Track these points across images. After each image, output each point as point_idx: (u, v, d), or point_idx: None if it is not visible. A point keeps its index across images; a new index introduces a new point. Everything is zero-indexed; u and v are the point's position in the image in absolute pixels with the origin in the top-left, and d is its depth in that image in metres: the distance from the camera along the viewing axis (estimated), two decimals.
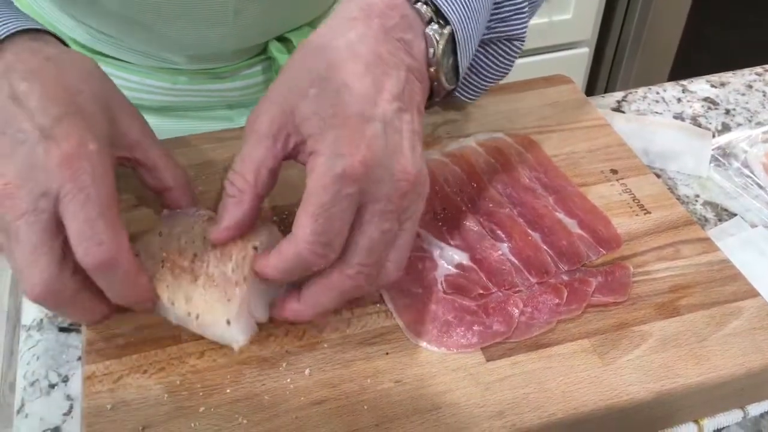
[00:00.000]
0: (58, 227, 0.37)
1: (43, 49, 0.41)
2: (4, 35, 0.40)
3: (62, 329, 0.49)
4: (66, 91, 0.39)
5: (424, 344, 0.43)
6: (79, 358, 0.46)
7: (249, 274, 0.40)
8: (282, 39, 0.64)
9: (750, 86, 0.71)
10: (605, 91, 1.67)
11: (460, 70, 0.45)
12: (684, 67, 1.64)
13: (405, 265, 0.41)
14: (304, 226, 0.38)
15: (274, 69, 0.65)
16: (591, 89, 1.74)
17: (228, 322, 0.40)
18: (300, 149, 0.40)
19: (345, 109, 0.38)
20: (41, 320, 0.49)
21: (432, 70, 0.43)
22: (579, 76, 1.69)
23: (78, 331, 0.48)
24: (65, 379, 0.46)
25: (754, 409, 0.45)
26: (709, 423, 0.44)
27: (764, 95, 0.70)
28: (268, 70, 0.67)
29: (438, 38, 0.43)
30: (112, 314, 0.41)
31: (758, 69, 0.73)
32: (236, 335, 0.40)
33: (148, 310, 0.41)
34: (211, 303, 0.40)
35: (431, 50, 0.43)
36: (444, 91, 0.45)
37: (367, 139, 0.38)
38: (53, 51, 0.41)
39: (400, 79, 0.40)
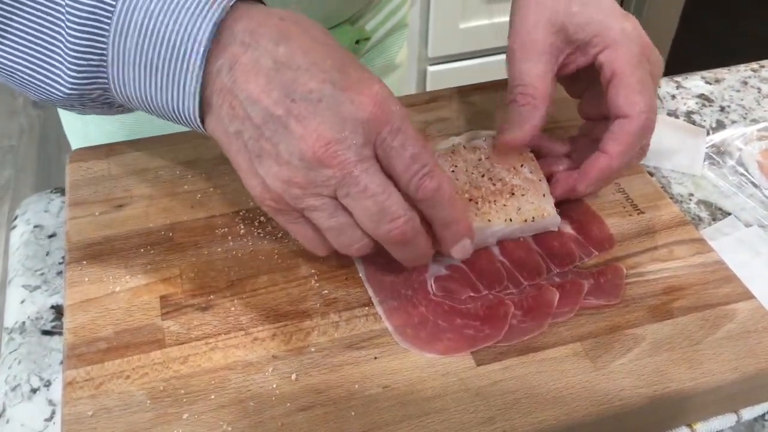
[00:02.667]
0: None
1: (269, 11, 0.39)
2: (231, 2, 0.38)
3: (45, 332, 0.48)
4: (323, 45, 0.38)
5: (412, 348, 0.42)
6: (62, 362, 0.45)
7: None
8: None
9: (745, 83, 0.70)
10: None
11: None
12: (680, 60, 1.63)
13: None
14: (636, 101, 0.45)
15: None
16: None
17: (549, 213, 0.47)
18: (571, 60, 0.48)
19: (609, 12, 0.47)
20: (23, 323, 0.48)
21: None
22: None
23: (61, 334, 0.47)
24: (47, 384, 0.45)
25: (748, 413, 0.44)
26: (703, 427, 0.43)
27: (759, 92, 0.69)
28: None
29: None
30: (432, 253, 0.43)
31: (753, 65, 0.72)
32: (556, 218, 0.48)
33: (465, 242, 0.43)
34: (536, 203, 0.47)
35: None
36: None
37: (635, 25, 0.47)
38: (276, 11, 0.39)
39: None
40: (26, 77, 0.39)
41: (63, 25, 0.37)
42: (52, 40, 0.38)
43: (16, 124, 2.12)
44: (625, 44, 0.46)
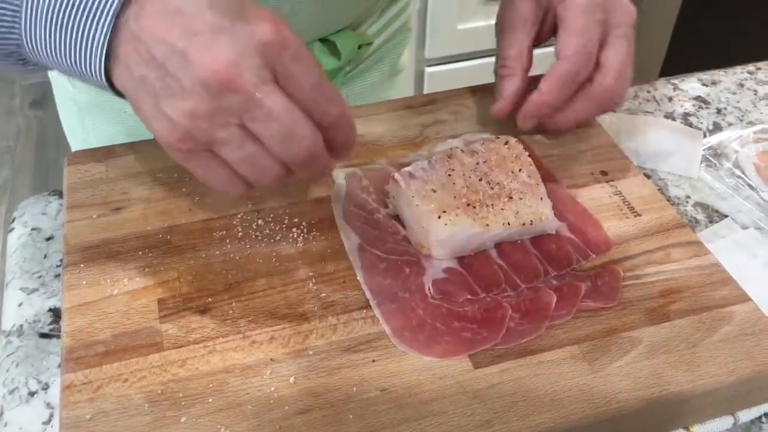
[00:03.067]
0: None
1: None
2: None
3: (43, 335, 0.48)
4: None
5: (410, 351, 0.42)
6: (60, 365, 0.45)
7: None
8: (323, 40, 0.65)
9: (741, 85, 0.70)
10: None
11: None
12: (676, 62, 1.63)
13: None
14: (571, 43, 0.50)
15: None
16: None
17: (546, 217, 0.48)
18: (546, 21, 0.54)
19: None
20: (21, 326, 0.48)
21: None
22: None
23: (58, 337, 0.47)
24: (45, 387, 0.45)
25: (745, 416, 0.44)
26: (700, 429, 0.43)
27: (755, 94, 0.69)
28: None
29: None
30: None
31: (750, 67, 0.73)
32: (554, 221, 0.49)
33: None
34: (534, 207, 0.48)
35: None
36: None
37: None
38: None
39: None
40: None
41: None
42: None
43: (13, 124, 2.12)
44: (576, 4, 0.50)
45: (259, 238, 0.49)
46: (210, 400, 0.39)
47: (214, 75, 0.36)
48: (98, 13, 0.38)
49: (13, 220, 0.56)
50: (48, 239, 0.54)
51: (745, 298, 0.46)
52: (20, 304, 0.50)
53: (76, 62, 0.39)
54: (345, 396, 0.40)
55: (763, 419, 0.44)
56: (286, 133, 0.39)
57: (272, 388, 0.40)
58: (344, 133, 0.42)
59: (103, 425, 0.38)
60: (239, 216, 0.50)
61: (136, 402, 0.39)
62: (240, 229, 0.49)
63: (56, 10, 0.38)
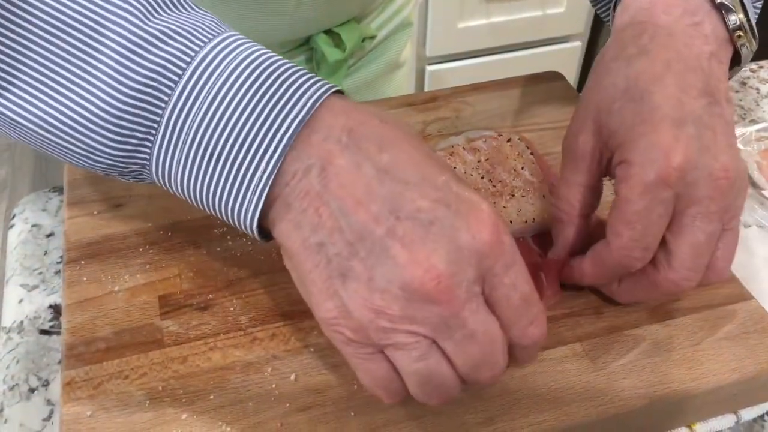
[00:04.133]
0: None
1: (367, 109, 0.34)
2: (328, 92, 0.33)
3: (43, 332, 0.47)
4: (428, 157, 0.33)
5: None
6: (60, 362, 0.45)
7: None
8: (328, 32, 0.65)
9: (744, 83, 0.70)
10: None
11: (752, 21, 0.42)
12: None
13: (732, 262, 0.41)
14: (620, 234, 0.39)
15: (315, 60, 0.66)
16: (583, 84, 1.73)
17: (549, 215, 0.46)
18: (611, 163, 0.41)
19: (652, 115, 0.38)
20: (21, 322, 0.48)
21: (738, 34, 0.41)
22: (572, 71, 1.68)
23: (59, 333, 0.47)
24: (45, 384, 0.45)
25: (747, 414, 0.44)
26: (702, 428, 0.43)
27: (758, 92, 0.69)
28: (310, 60, 0.67)
29: (730, 1, 0.41)
30: None
31: (752, 65, 0.72)
32: None
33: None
34: (537, 204, 0.47)
35: (732, 17, 0.41)
36: (751, 53, 0.43)
37: (678, 141, 0.37)
38: (374, 110, 0.35)
39: (704, 71, 0.39)
40: (41, 136, 0.33)
41: (101, 85, 0.32)
42: (81, 91, 0.32)
43: None
44: (641, 165, 0.38)
45: None
46: (211, 397, 0.39)
47: (422, 282, 0.30)
48: (264, 150, 0.31)
49: (14, 217, 0.56)
50: (48, 236, 0.54)
51: (747, 296, 0.45)
52: (20, 301, 0.49)
53: (222, 199, 0.33)
54: (347, 393, 0.40)
55: (766, 417, 0.44)
56: (482, 360, 0.33)
57: (273, 385, 0.40)
58: (530, 355, 0.36)
59: (103, 422, 0.38)
60: None
61: (136, 399, 0.39)
62: None
63: (209, 135, 0.32)
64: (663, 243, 0.39)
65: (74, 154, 0.34)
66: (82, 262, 0.46)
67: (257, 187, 0.32)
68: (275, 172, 0.32)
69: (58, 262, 0.52)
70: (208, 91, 0.32)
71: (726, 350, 0.42)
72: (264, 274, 0.46)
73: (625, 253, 0.39)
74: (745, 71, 0.72)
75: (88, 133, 0.33)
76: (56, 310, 0.49)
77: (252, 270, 0.46)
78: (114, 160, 0.34)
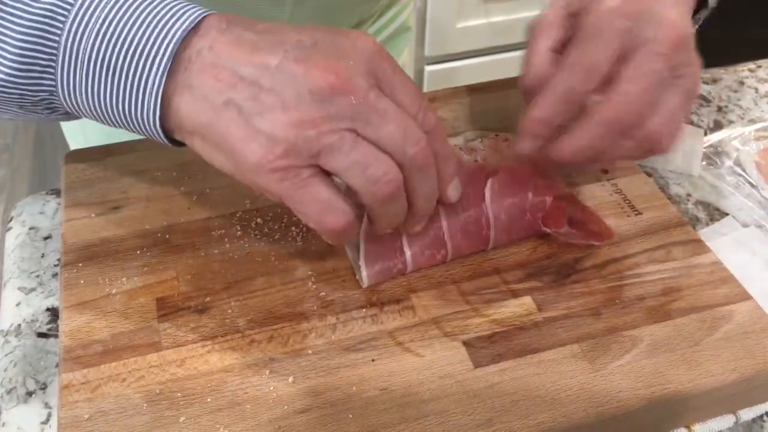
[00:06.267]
0: None
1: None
2: (209, 12, 0.38)
3: (40, 335, 0.47)
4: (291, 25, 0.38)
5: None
6: (58, 365, 0.45)
7: None
8: None
9: (742, 83, 0.70)
10: None
11: None
12: None
13: (677, 135, 0.43)
14: (570, 54, 0.42)
15: None
16: None
17: None
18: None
19: None
20: (19, 325, 0.48)
21: None
22: None
23: (56, 336, 0.47)
24: (43, 387, 0.45)
25: (746, 414, 0.44)
26: (701, 428, 0.43)
27: (757, 92, 0.69)
28: None
29: None
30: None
31: (750, 65, 0.72)
32: None
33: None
34: None
35: None
36: None
37: None
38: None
39: None
40: None
41: (3, 23, 0.36)
42: None
43: (11, 123, 2.11)
44: (603, 1, 0.42)
45: (258, 236, 0.48)
46: (209, 400, 0.39)
47: (325, 80, 0.35)
48: (153, 55, 0.36)
49: (11, 220, 0.56)
50: (46, 238, 0.54)
51: (746, 296, 0.45)
52: (18, 304, 0.49)
53: (124, 108, 0.37)
54: (344, 395, 0.40)
55: (765, 418, 0.44)
56: (403, 133, 0.36)
57: (271, 388, 0.40)
58: (443, 143, 0.40)
59: (101, 425, 0.38)
60: (238, 215, 0.50)
61: (134, 402, 0.39)
62: (239, 228, 0.49)
63: (102, 51, 0.36)
64: (610, 80, 0.41)
65: None
66: (80, 264, 0.46)
67: (153, 84, 0.36)
68: (167, 68, 0.36)
69: (55, 265, 0.52)
70: (100, 11, 0.36)
71: (724, 351, 0.42)
72: (262, 277, 0.46)
73: (572, 70, 0.41)
74: (743, 71, 0.72)
75: None
76: (54, 313, 0.49)
77: (249, 272, 0.46)
78: (22, 89, 0.37)
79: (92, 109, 0.38)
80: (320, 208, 0.37)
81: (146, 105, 0.36)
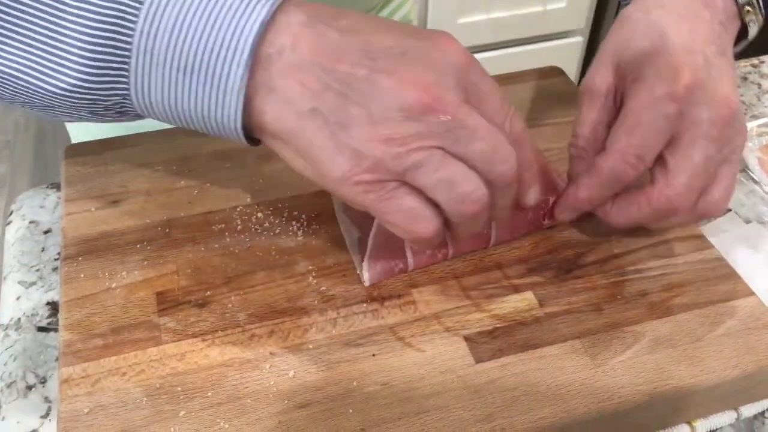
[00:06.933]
0: None
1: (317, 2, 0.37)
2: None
3: (40, 329, 0.47)
4: (377, 18, 0.37)
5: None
6: (58, 359, 0.45)
7: None
8: None
9: (745, 78, 0.70)
10: None
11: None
12: None
13: (730, 199, 0.43)
14: (619, 139, 0.41)
15: None
16: None
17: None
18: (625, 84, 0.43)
19: (666, 46, 0.41)
20: (19, 319, 0.48)
21: (746, 9, 0.45)
22: (572, 66, 1.67)
23: (56, 330, 0.47)
24: (43, 381, 0.44)
25: (748, 410, 0.44)
26: (702, 424, 0.43)
27: (759, 88, 0.69)
28: None
29: None
30: None
31: (754, 60, 0.72)
32: None
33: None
34: None
35: None
36: (758, 27, 0.47)
37: (689, 65, 0.40)
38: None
39: (714, 30, 0.43)
40: (20, 84, 0.35)
41: (69, 26, 0.33)
42: (50, 40, 0.34)
43: (11, 119, 2.11)
44: (651, 79, 0.41)
45: (259, 231, 0.48)
46: (209, 394, 0.39)
47: (415, 97, 0.33)
48: (233, 53, 0.33)
49: (11, 213, 0.56)
50: (46, 232, 0.54)
51: (748, 292, 0.45)
52: (18, 298, 0.49)
53: (203, 109, 0.35)
54: (345, 390, 0.40)
55: (766, 414, 0.44)
56: (492, 150, 0.35)
57: (272, 382, 0.40)
58: (527, 150, 0.39)
59: (101, 419, 0.38)
60: (238, 209, 0.50)
61: (134, 396, 0.39)
62: (239, 222, 0.49)
63: (178, 50, 0.34)
64: (661, 161, 0.42)
65: (57, 96, 0.35)
66: (80, 258, 0.46)
67: (234, 84, 0.34)
68: (249, 66, 0.33)
69: (55, 259, 0.52)
70: (171, 8, 0.34)
71: (726, 347, 0.42)
72: (262, 271, 0.46)
73: (620, 158, 0.41)
74: (746, 67, 0.71)
75: (67, 71, 0.34)
76: (54, 307, 0.49)
77: (250, 267, 0.46)
78: (95, 94, 0.35)
79: (168, 110, 0.36)
80: (407, 218, 0.36)
81: (227, 105, 0.34)
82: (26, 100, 0.36)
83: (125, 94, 0.36)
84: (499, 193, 0.37)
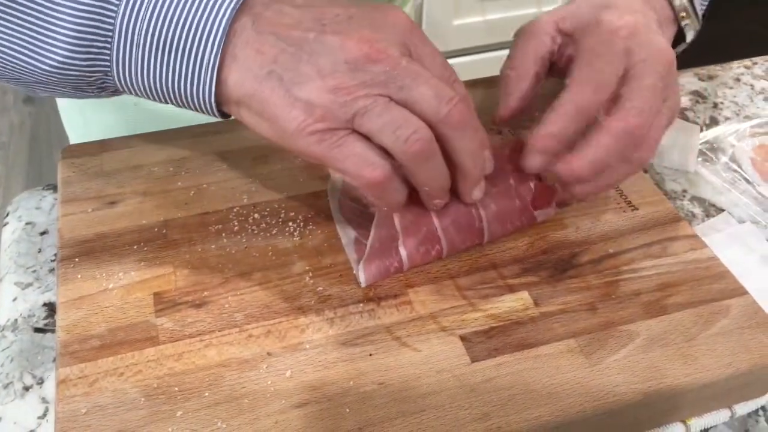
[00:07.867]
0: None
1: None
2: None
3: (37, 330, 0.47)
4: None
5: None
6: (55, 360, 0.45)
7: None
8: None
9: (738, 79, 0.70)
10: None
11: (698, 8, 0.51)
12: None
13: (656, 149, 0.45)
14: (581, 71, 0.44)
15: None
16: None
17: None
18: (562, 50, 0.48)
19: (613, 2, 0.46)
20: (16, 320, 0.48)
21: (682, 15, 0.50)
22: None
23: (53, 331, 0.47)
24: (40, 381, 0.45)
25: (742, 409, 0.44)
26: (697, 423, 0.43)
27: (752, 88, 0.69)
28: None
29: None
30: None
31: (746, 62, 0.73)
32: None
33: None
34: None
35: (677, 1, 0.50)
36: (695, 32, 0.51)
37: (631, 16, 0.45)
38: None
39: (654, 29, 0.46)
40: (12, 61, 0.38)
41: (58, 9, 0.37)
42: (40, 22, 0.37)
43: (6, 120, 2.11)
44: (602, 24, 0.45)
45: (256, 232, 0.48)
46: (206, 394, 0.39)
47: (360, 49, 0.37)
48: (207, 33, 0.37)
49: (7, 215, 0.56)
50: (42, 233, 0.54)
51: (741, 291, 0.46)
52: (15, 299, 0.49)
53: (179, 85, 0.38)
54: (342, 390, 0.40)
55: (760, 412, 0.44)
56: (435, 93, 0.38)
57: (269, 382, 0.40)
58: (472, 112, 0.41)
59: (98, 419, 0.38)
60: (235, 210, 0.50)
61: (131, 396, 0.39)
62: (236, 223, 0.49)
63: (158, 31, 0.37)
64: (616, 97, 0.44)
65: (44, 73, 0.39)
66: (77, 259, 0.46)
67: (209, 61, 0.37)
68: (221, 45, 0.37)
69: (52, 260, 0.52)
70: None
71: (720, 345, 0.42)
72: (259, 271, 0.46)
73: (584, 88, 0.44)
74: (739, 68, 0.72)
75: (55, 50, 0.38)
76: (50, 308, 0.49)
77: (247, 267, 0.46)
78: (79, 71, 0.39)
79: (146, 87, 0.39)
80: (357, 162, 0.38)
81: (202, 81, 0.38)
82: (17, 77, 0.39)
83: (107, 71, 0.39)
84: (454, 135, 0.39)
